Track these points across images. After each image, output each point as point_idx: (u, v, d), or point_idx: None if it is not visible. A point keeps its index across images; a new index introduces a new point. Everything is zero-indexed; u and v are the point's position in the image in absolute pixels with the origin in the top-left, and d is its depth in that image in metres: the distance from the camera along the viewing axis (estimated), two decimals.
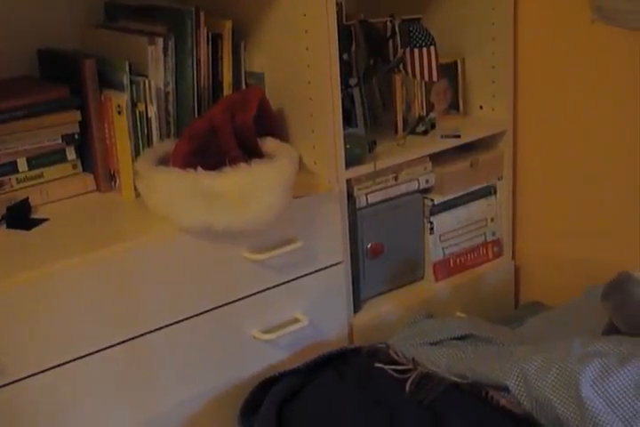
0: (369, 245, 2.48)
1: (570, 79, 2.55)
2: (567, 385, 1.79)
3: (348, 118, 2.43)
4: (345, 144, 2.28)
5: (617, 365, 1.83)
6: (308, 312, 2.29)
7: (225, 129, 2.11)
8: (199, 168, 2.03)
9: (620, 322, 2.03)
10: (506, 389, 1.87)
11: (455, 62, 2.67)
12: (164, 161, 2.13)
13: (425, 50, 2.45)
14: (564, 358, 1.85)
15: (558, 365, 1.83)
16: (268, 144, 2.20)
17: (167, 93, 2.21)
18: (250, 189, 2.03)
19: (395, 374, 2.02)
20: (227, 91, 2.30)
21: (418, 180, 2.53)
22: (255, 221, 2.04)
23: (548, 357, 1.86)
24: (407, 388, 1.97)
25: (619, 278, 2.06)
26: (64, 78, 2.21)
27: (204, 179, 2.01)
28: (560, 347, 1.91)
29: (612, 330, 2.06)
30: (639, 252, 2.54)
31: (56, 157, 2.23)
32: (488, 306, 2.73)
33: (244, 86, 2.34)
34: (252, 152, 2.15)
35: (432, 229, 2.60)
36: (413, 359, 2.05)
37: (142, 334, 2.05)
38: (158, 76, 2.19)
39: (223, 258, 2.12)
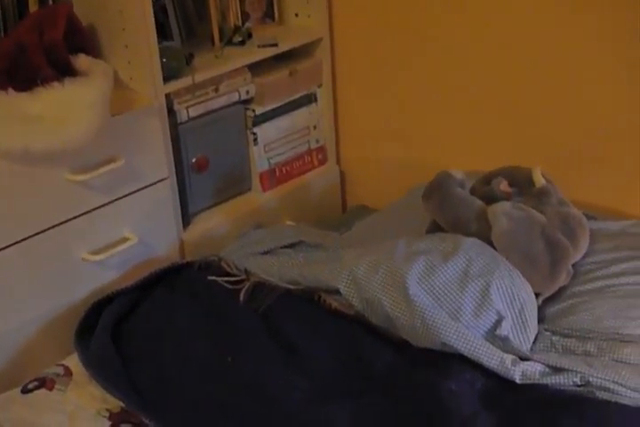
0: (194, 160, 2.47)
1: None
2: (395, 284, 1.84)
3: (163, 31, 2.38)
4: (161, 58, 2.24)
5: (441, 261, 1.89)
6: (136, 230, 2.27)
7: (34, 47, 2.04)
8: (10, 89, 1.96)
9: (442, 220, 2.09)
10: (337, 292, 1.91)
11: None
12: None
13: None
14: (391, 258, 1.90)
15: (385, 265, 1.88)
16: (81, 61, 2.13)
17: None
18: (65, 108, 1.97)
19: (228, 286, 2.04)
20: (32, 7, 2.20)
21: (238, 91, 2.52)
22: (73, 141, 1.99)
23: (375, 258, 1.91)
24: (241, 298, 1.99)
25: (438, 178, 2.12)
26: None
27: (16, 100, 1.95)
28: (386, 248, 1.96)
29: (434, 229, 2.13)
30: (459, 152, 2.61)
31: None
32: (316, 213, 2.77)
33: (50, 2, 2.25)
34: (64, 70, 2.08)
35: (256, 139, 2.60)
36: (246, 270, 2.07)
37: None
38: None
39: (44, 181, 2.07)
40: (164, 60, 2.26)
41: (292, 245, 2.24)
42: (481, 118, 2.54)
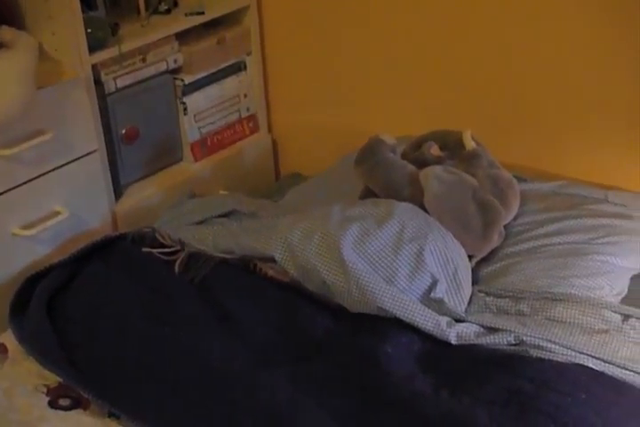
0: (123, 131, 2.44)
1: None
2: (330, 250, 1.85)
3: (87, 1, 2.33)
4: (86, 28, 2.21)
5: (375, 226, 1.90)
6: (67, 204, 2.25)
7: None
8: None
9: (374, 186, 2.10)
10: (273, 260, 1.91)
11: None
12: None
13: None
14: (325, 224, 1.90)
15: (320, 231, 1.88)
16: (4, 33, 2.10)
17: None
18: None
19: (163, 257, 2.02)
20: None
21: (166, 60, 2.49)
22: None
23: (310, 225, 1.91)
24: (176, 269, 1.98)
25: (369, 144, 2.13)
26: None
27: None
28: (320, 214, 1.96)
29: (367, 194, 2.13)
30: (390, 117, 2.62)
31: None
32: (250, 181, 2.77)
33: None
34: None
35: (186, 109, 2.58)
36: (180, 240, 2.05)
37: None
38: None
39: None
40: (89, 30, 2.23)
41: (226, 215, 2.23)
42: (411, 83, 2.55)
